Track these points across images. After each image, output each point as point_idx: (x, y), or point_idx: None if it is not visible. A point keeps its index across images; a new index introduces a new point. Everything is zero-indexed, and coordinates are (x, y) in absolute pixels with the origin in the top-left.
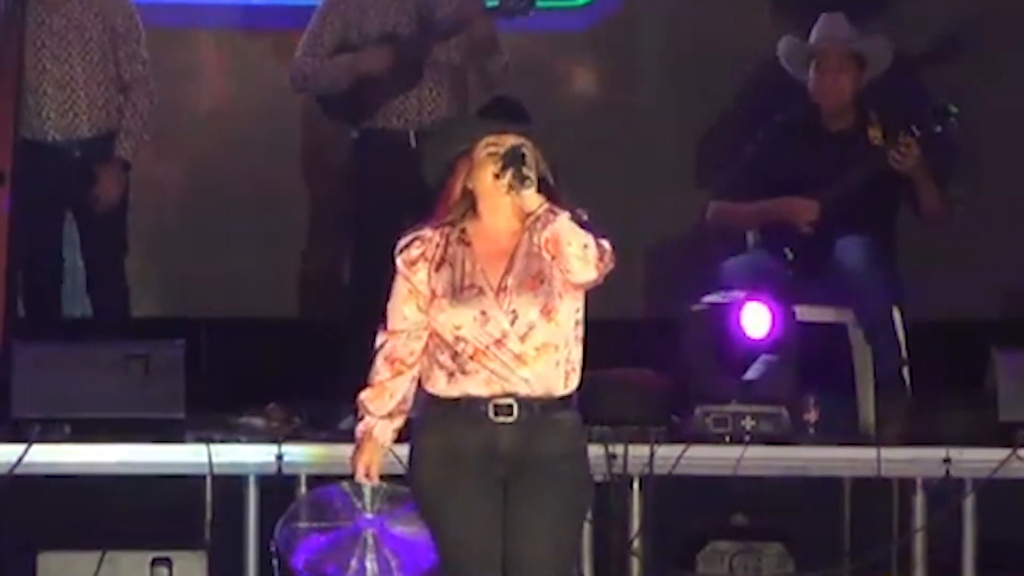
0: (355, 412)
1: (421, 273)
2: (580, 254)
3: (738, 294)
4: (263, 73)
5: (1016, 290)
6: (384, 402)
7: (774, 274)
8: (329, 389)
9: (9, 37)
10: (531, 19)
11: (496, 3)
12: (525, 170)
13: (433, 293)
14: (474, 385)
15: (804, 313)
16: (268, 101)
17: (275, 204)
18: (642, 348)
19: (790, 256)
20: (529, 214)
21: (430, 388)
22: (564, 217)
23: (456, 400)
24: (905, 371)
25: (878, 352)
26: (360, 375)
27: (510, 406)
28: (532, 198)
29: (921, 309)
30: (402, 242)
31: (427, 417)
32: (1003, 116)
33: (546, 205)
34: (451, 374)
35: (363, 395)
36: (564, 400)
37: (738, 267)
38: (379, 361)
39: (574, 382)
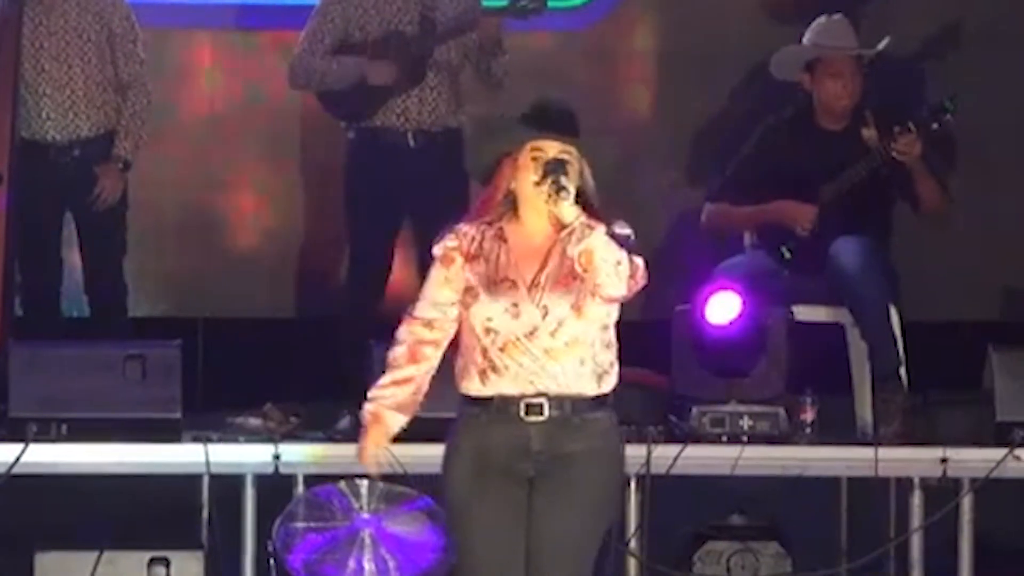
0: (352, 412)
1: (456, 264)
2: (612, 271)
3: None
4: (260, 73)
5: (1014, 290)
6: (401, 390)
7: (771, 274)
8: (326, 389)
9: (7, 38)
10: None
11: (507, 3)
12: (563, 180)
13: (468, 284)
14: (505, 384)
15: (801, 313)
16: (265, 101)
17: (272, 204)
18: (640, 349)
19: (787, 256)
20: (565, 225)
21: (464, 389)
22: (600, 232)
23: (488, 400)
24: (902, 371)
25: (875, 352)
26: (357, 375)
27: (540, 405)
28: (568, 210)
29: (918, 309)
30: (441, 236)
31: (461, 417)
32: (1002, 115)
33: (583, 219)
34: (483, 372)
35: (380, 381)
36: (597, 400)
37: (735, 268)
38: (400, 349)
39: (608, 384)
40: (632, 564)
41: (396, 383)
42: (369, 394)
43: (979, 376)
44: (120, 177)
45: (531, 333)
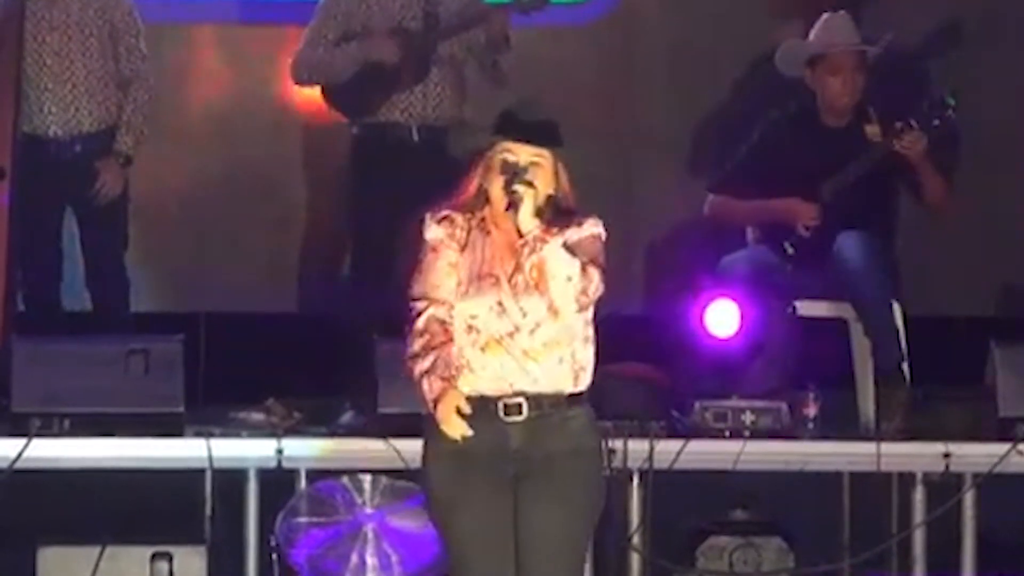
0: (352, 408)
1: (454, 252)
2: (562, 285)
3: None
4: (262, 68)
5: (1016, 285)
6: (441, 356)
7: (774, 269)
8: (329, 384)
9: (9, 33)
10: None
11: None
12: (520, 189)
13: (458, 276)
14: (484, 383)
15: (804, 308)
16: (267, 96)
17: (275, 199)
18: (643, 343)
19: (790, 251)
20: (522, 237)
21: None
22: (552, 245)
23: (466, 399)
24: (905, 366)
25: (878, 347)
26: (360, 370)
27: (519, 405)
28: (526, 221)
29: (921, 304)
30: (432, 218)
31: None
32: (1002, 113)
33: (537, 232)
34: (460, 371)
35: (424, 359)
36: (574, 398)
37: (738, 262)
38: (434, 327)
39: (584, 381)
40: (635, 559)
41: (434, 348)
42: (419, 370)
43: (981, 371)
44: (121, 172)
45: (512, 333)
